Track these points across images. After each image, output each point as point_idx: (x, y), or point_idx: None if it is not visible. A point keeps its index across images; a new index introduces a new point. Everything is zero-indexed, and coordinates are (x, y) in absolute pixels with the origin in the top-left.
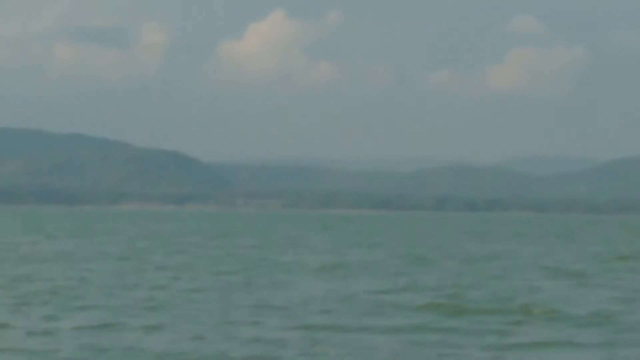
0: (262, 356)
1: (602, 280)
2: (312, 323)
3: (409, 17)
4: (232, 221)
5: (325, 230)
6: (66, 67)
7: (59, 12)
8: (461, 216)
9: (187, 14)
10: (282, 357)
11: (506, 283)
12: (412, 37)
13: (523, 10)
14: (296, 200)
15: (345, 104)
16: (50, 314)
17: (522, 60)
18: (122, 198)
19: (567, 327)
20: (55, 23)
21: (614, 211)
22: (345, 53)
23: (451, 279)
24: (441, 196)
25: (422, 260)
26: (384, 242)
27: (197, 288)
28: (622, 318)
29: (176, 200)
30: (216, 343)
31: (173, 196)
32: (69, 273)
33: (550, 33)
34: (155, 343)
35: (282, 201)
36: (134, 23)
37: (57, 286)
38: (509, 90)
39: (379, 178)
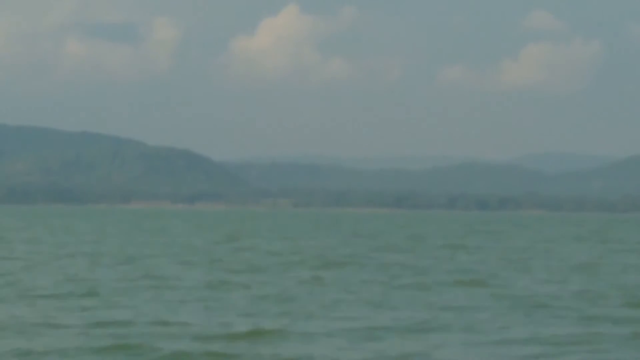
0: None
1: None
2: None
3: (423, 12)
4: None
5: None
6: (77, 63)
7: (70, 7)
8: (475, 215)
9: (199, 9)
10: None
11: None
12: (426, 33)
13: (539, 5)
14: (308, 198)
15: (359, 100)
16: None
17: (538, 56)
18: (133, 196)
19: None
20: (66, 19)
21: (629, 209)
22: (359, 49)
23: None
24: (453, 194)
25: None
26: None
27: None
28: None
29: (187, 199)
30: None
31: (184, 195)
32: None
33: (567, 28)
34: None
35: (294, 200)
36: (146, 18)
37: None
38: (524, 86)
39: (391, 176)
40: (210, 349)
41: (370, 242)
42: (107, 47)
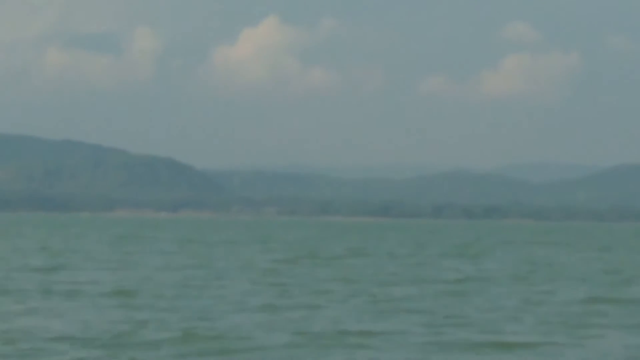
0: None
1: None
2: None
3: (404, 23)
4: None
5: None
6: (58, 72)
7: (51, 18)
8: (461, 224)
9: (180, 19)
10: None
11: None
12: (406, 43)
13: (518, 16)
14: (292, 207)
15: (340, 110)
16: None
17: (518, 67)
18: (116, 204)
19: None
20: (47, 29)
21: (615, 219)
22: (339, 59)
23: None
24: (439, 203)
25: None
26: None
27: None
28: None
29: (170, 207)
30: None
31: (167, 203)
32: None
33: (546, 39)
34: None
35: (278, 208)
36: (127, 29)
37: None
38: (505, 97)
39: (375, 185)
40: None
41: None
42: (89, 57)
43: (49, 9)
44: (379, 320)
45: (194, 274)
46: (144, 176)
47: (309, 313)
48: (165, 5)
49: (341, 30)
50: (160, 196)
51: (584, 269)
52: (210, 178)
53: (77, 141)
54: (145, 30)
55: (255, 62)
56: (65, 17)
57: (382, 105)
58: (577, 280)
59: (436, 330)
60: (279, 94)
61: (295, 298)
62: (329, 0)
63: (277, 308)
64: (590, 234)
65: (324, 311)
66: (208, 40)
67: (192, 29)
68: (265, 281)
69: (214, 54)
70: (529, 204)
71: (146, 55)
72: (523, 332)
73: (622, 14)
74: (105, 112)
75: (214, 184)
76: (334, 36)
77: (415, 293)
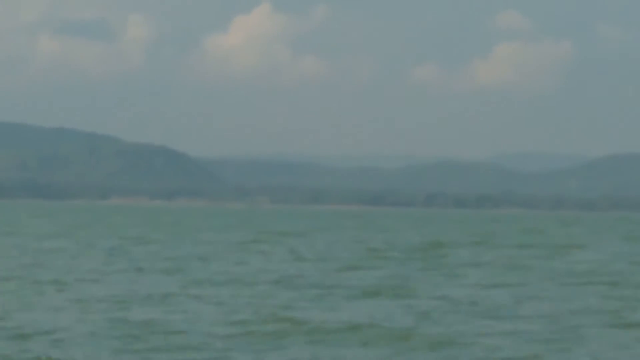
0: None
1: None
2: None
3: (395, 12)
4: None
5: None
6: (51, 60)
7: (42, 4)
8: (454, 213)
9: (172, 7)
10: None
11: None
12: (398, 32)
13: (510, 5)
14: (285, 196)
15: (332, 98)
16: None
17: (509, 55)
18: (111, 193)
19: None
20: (38, 16)
21: (606, 208)
22: (331, 47)
23: None
24: (430, 192)
25: None
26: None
27: None
28: None
29: (165, 195)
30: None
31: (162, 191)
32: None
33: (537, 28)
34: None
35: (271, 197)
36: (119, 15)
37: None
38: (496, 86)
39: (367, 174)
40: None
41: None
42: (81, 44)
43: None
44: None
45: None
46: (138, 164)
47: None
48: None
49: (333, 18)
50: (155, 184)
51: None
52: (204, 166)
53: (71, 129)
54: (137, 18)
55: (248, 50)
56: (56, 3)
57: (374, 93)
58: None
59: None
60: (271, 83)
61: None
62: None
63: None
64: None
65: None
66: (200, 28)
67: (184, 17)
68: None
69: (206, 41)
70: (521, 193)
71: (138, 42)
72: None
73: (614, 2)
74: (98, 100)
75: (208, 172)
76: (325, 24)
77: None
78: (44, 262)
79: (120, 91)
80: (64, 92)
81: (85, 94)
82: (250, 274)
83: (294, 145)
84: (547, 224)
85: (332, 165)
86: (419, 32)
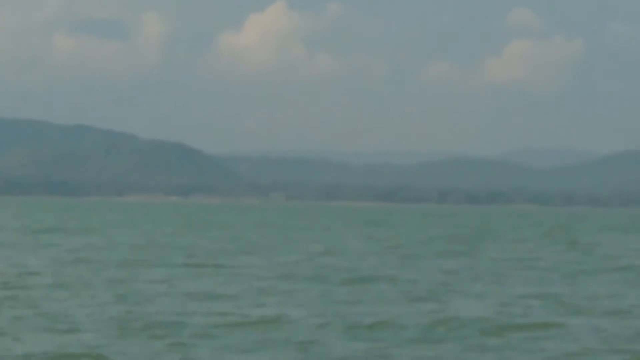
0: None
1: None
2: None
3: (408, 10)
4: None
5: None
6: (67, 58)
7: (58, 3)
8: (466, 209)
9: (187, 5)
10: None
11: None
12: (411, 30)
13: (522, 3)
14: (299, 192)
15: (345, 95)
16: None
17: (521, 53)
18: (127, 189)
19: None
20: (55, 14)
21: (617, 204)
22: (345, 45)
23: None
24: (443, 189)
25: None
26: None
27: None
28: None
29: (180, 192)
30: None
31: (177, 188)
32: None
33: (549, 26)
34: None
35: (286, 193)
36: (134, 13)
37: None
38: (508, 83)
39: (381, 170)
40: None
41: None
42: (97, 42)
43: None
44: None
45: None
46: (154, 161)
47: None
48: None
49: (347, 16)
50: (171, 181)
51: None
52: (219, 163)
53: (88, 126)
54: (152, 16)
55: (262, 47)
56: (73, 2)
57: (387, 91)
58: None
59: None
60: (285, 80)
61: None
62: None
63: None
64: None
65: None
66: (215, 25)
67: (199, 15)
68: None
69: (220, 39)
70: (533, 189)
71: (153, 40)
72: None
73: (625, 0)
74: (113, 98)
75: (223, 169)
76: (339, 22)
77: None
78: None
79: (136, 88)
80: (81, 89)
81: (101, 91)
82: None
83: (308, 141)
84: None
85: (345, 161)
86: (432, 30)
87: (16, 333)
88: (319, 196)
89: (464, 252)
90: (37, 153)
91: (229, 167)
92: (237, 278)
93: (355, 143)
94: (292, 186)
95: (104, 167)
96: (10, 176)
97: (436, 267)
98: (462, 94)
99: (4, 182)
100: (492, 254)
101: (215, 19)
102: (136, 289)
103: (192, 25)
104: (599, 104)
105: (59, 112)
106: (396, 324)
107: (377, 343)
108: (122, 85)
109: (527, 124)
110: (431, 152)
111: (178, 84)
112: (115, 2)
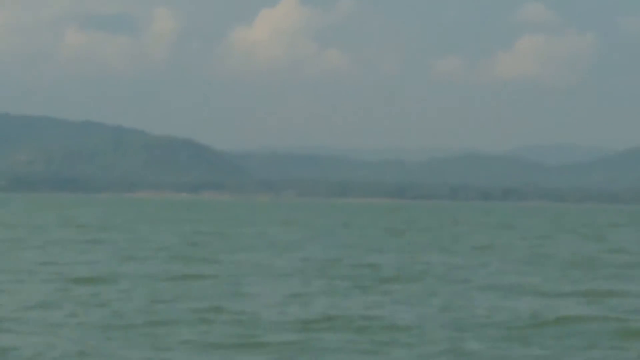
0: None
1: None
2: None
3: (419, 5)
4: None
5: None
6: (77, 53)
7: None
8: (479, 205)
9: (197, 0)
10: None
11: None
12: (421, 25)
13: None
14: (310, 189)
15: (356, 91)
16: None
17: (532, 48)
18: (136, 186)
19: None
20: (64, 10)
21: (630, 200)
22: (355, 40)
23: None
24: (455, 185)
25: None
26: None
27: None
28: None
29: (190, 188)
30: None
31: (187, 184)
32: None
33: (560, 21)
34: None
35: (297, 190)
36: (144, 9)
37: None
38: (519, 78)
39: (392, 167)
40: None
41: None
42: (107, 38)
43: None
44: None
45: None
46: (163, 158)
47: None
48: None
49: (357, 11)
50: (180, 177)
51: None
52: (229, 160)
53: (98, 122)
54: (162, 11)
55: (273, 43)
56: None
57: (398, 86)
58: None
59: None
60: (296, 76)
61: None
62: None
63: None
64: None
65: None
66: (225, 21)
67: (209, 10)
68: None
69: (231, 35)
70: (545, 185)
71: (163, 36)
72: None
73: None
74: (124, 93)
75: (233, 165)
76: (350, 18)
77: None
78: None
79: (145, 84)
80: (90, 85)
81: (111, 87)
82: None
83: (318, 138)
84: None
85: (356, 158)
86: (442, 25)
87: None
88: (330, 193)
89: None
90: (46, 149)
91: (239, 164)
92: None
93: (366, 139)
94: (302, 183)
95: (113, 163)
96: (20, 173)
97: None
98: (473, 89)
99: (14, 178)
100: None
101: (226, 15)
102: None
103: (202, 20)
104: (612, 98)
105: (68, 108)
106: None
107: None
108: (131, 81)
109: (539, 119)
110: (442, 148)
111: (188, 80)
112: None
